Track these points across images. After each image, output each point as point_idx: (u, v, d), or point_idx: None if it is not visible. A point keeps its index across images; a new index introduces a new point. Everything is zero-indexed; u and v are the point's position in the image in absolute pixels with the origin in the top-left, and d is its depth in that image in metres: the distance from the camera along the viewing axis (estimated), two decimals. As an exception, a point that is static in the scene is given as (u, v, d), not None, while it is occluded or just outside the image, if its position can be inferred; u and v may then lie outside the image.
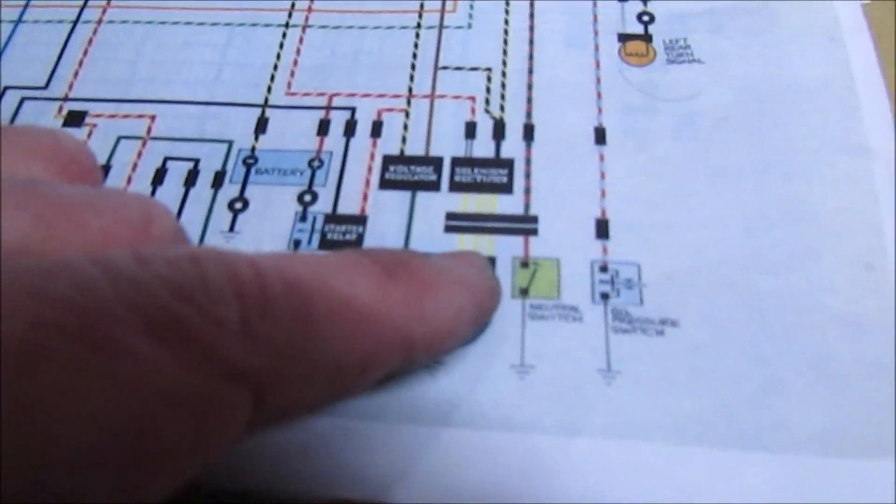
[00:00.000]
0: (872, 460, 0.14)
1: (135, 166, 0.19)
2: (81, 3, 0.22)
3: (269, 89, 0.20)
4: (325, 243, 0.17)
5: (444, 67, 0.20)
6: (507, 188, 0.18)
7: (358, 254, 0.12)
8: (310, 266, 0.11)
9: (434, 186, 0.18)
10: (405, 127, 0.19)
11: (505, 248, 0.17)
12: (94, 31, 0.22)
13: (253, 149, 0.19)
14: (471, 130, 0.19)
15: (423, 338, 0.12)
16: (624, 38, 0.20)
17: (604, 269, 0.16)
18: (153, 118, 0.20)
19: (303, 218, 0.18)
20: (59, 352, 0.08)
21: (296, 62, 0.21)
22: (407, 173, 0.18)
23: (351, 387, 0.12)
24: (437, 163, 0.18)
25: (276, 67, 0.20)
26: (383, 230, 0.17)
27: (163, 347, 0.08)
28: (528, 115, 0.19)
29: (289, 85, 0.20)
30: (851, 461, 0.14)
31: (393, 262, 0.12)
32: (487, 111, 0.19)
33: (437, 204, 0.18)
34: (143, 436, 0.08)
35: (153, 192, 0.18)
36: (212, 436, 0.09)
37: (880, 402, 0.14)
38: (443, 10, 0.21)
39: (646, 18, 0.20)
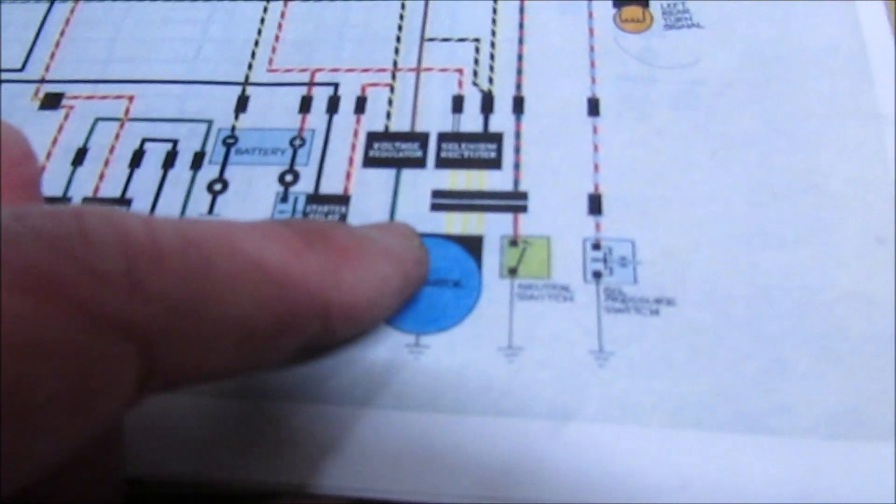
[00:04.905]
0: (883, 444, 0.13)
1: (112, 148, 0.18)
2: (59, -19, 0.22)
3: (250, 66, 0.19)
4: (306, 224, 0.17)
5: (431, 39, 0.19)
6: (495, 164, 0.17)
7: (274, 222, 0.12)
8: (215, 227, 0.10)
9: (420, 163, 0.17)
10: (390, 102, 0.18)
11: (494, 226, 0.16)
12: (72, 11, 0.21)
13: (233, 128, 0.18)
14: (458, 104, 0.18)
15: (342, 306, 0.12)
16: (620, 2, 0.19)
17: (596, 246, 0.15)
18: (131, 98, 0.19)
19: (284, 199, 0.17)
20: None
21: (278, 37, 0.20)
22: (392, 150, 0.17)
23: (264, 352, 0.11)
24: (422, 139, 0.17)
25: (257, 43, 0.20)
26: (367, 210, 0.17)
27: (33, 302, 0.08)
28: (518, 86, 0.18)
29: (270, 61, 0.19)
30: (860, 445, 0.13)
31: (311, 230, 0.12)
32: (476, 84, 0.18)
33: (424, 181, 0.17)
34: (13, 394, 0.08)
35: (131, 175, 0.18)
36: (94, 394, 0.08)
37: (892, 383, 0.14)
38: (430, -20, 0.20)
39: (643, -18, 0.19)
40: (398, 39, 0.19)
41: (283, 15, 0.20)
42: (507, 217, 0.16)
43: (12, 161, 0.12)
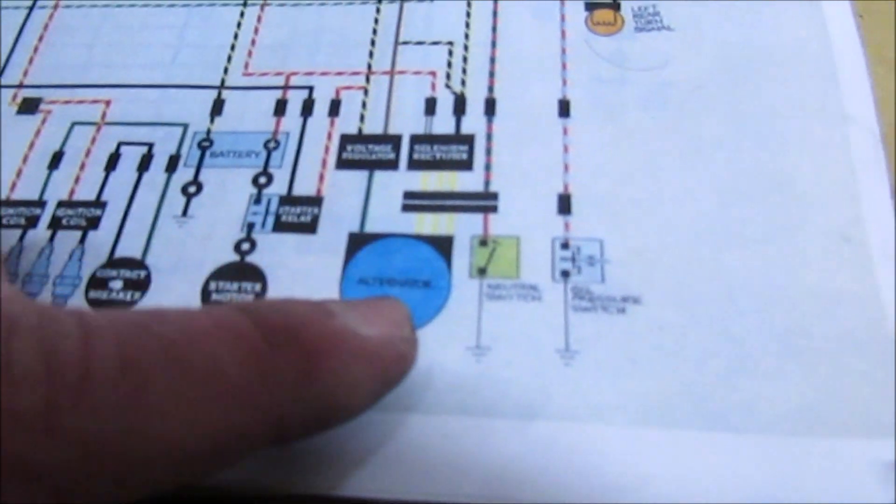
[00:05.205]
0: (844, 440, 0.13)
1: (88, 152, 0.18)
2: (39, -12, 0.22)
3: (226, 70, 0.19)
4: (279, 225, 0.17)
5: (405, 42, 0.19)
6: (467, 165, 0.17)
7: (241, 314, 0.10)
8: (167, 336, 0.09)
9: (392, 165, 0.17)
10: (364, 105, 0.18)
11: (464, 226, 0.16)
12: (51, 16, 0.21)
13: (208, 131, 0.18)
14: (431, 106, 0.18)
15: (301, 418, 0.11)
16: (591, 6, 0.19)
17: (565, 246, 0.16)
18: (108, 103, 0.19)
19: (257, 200, 0.17)
20: None
21: (254, 41, 0.20)
22: (365, 152, 0.18)
23: (197, 473, 0.10)
24: (395, 141, 0.18)
25: (233, 47, 0.20)
26: (340, 211, 0.17)
27: None
28: (491, 89, 0.18)
29: (246, 65, 0.19)
30: (822, 441, 0.13)
31: (280, 326, 0.11)
32: (448, 86, 0.18)
33: (396, 183, 0.17)
34: None
35: (106, 178, 0.18)
36: None
37: (854, 380, 0.14)
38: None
39: (615, -14, 0.20)
40: (372, 43, 0.19)
41: (259, 20, 0.20)
42: (478, 217, 0.16)
43: None
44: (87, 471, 0.09)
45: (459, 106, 0.18)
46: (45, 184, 0.18)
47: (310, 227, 0.16)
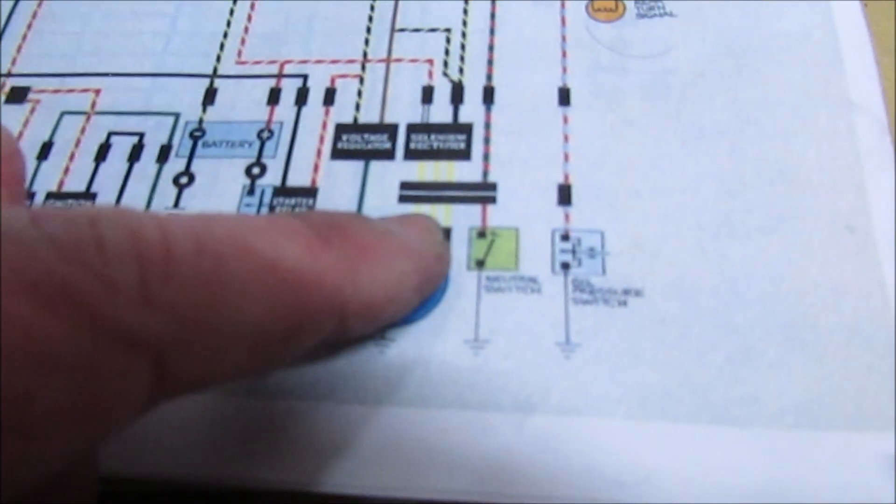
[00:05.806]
0: (850, 433, 0.13)
1: (78, 142, 0.18)
2: (27, -26, 0.21)
3: (219, 59, 0.19)
4: (273, 217, 0.16)
5: (402, 30, 0.19)
6: (465, 154, 0.17)
7: (291, 216, 0.12)
8: (230, 227, 0.10)
9: (388, 155, 0.17)
10: (359, 94, 0.18)
11: (462, 217, 0.16)
12: (39, 4, 0.21)
13: (200, 121, 0.18)
14: (428, 95, 0.18)
15: (358, 305, 0.11)
16: (592, -8, 0.19)
17: (565, 237, 0.15)
18: (98, 92, 0.19)
19: (251, 191, 0.17)
20: None
21: (247, 30, 0.19)
22: (360, 142, 0.17)
23: (275, 356, 0.11)
24: (391, 130, 0.17)
25: (226, 35, 0.19)
26: (335, 202, 0.16)
27: (46, 311, 0.08)
28: (489, 77, 0.18)
29: (239, 53, 0.19)
30: (825, 434, 0.13)
31: (329, 225, 0.12)
32: (446, 74, 0.18)
33: (392, 173, 0.17)
34: (21, 403, 0.08)
35: (96, 169, 0.18)
36: (103, 405, 0.08)
37: (860, 372, 0.13)
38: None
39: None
40: (368, 31, 0.19)
41: (252, 7, 0.20)
42: (476, 208, 0.16)
43: (4, 157, 0.12)
44: (182, 339, 0.09)
45: (457, 94, 0.18)
46: (35, 175, 0.18)
47: (304, 219, 0.16)
